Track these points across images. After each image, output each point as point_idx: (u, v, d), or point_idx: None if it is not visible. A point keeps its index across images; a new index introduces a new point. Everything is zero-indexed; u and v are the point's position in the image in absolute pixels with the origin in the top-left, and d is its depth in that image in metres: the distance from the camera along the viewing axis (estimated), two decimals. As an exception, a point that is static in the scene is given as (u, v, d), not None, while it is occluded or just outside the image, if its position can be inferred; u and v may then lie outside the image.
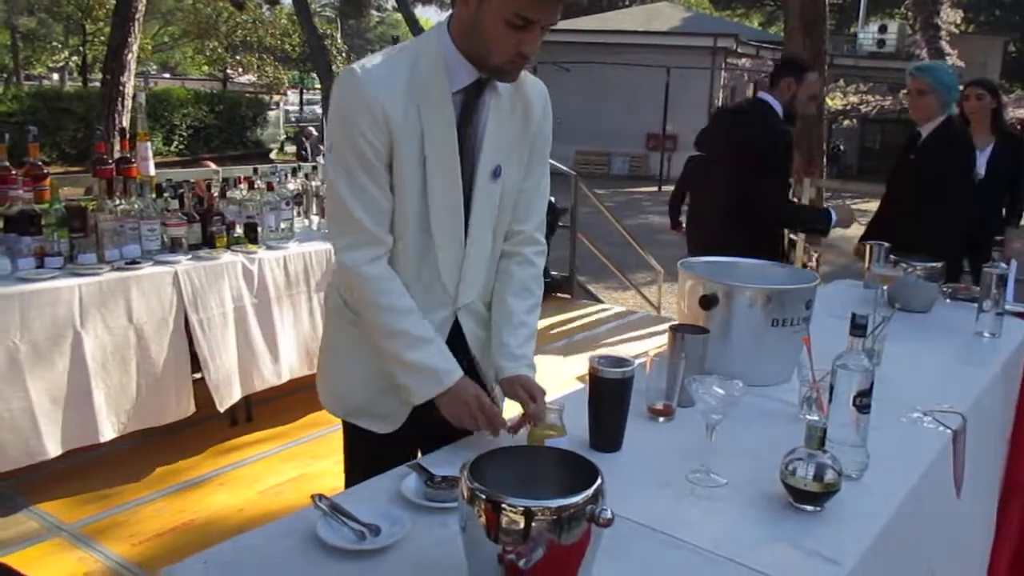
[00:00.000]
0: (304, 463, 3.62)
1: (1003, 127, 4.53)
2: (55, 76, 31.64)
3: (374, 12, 38.29)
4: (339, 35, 28.75)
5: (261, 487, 3.39)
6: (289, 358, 3.86)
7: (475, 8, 1.52)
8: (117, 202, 3.43)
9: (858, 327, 1.51)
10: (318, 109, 29.01)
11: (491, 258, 1.77)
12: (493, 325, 1.78)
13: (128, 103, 10.63)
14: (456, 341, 1.75)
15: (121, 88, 10.69)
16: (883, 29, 27.28)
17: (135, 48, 11.12)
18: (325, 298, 1.93)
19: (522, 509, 1.03)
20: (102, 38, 22.73)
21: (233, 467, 3.56)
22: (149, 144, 3.82)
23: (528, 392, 1.64)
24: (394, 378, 1.65)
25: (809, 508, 1.40)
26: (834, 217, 3.61)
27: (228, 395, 3.61)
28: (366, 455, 1.77)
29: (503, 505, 1.04)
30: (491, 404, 1.62)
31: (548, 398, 1.66)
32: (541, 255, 1.83)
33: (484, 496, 1.05)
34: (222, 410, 3.59)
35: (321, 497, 1.34)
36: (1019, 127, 17.51)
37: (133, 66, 11.11)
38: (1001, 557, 2.24)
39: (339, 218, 1.61)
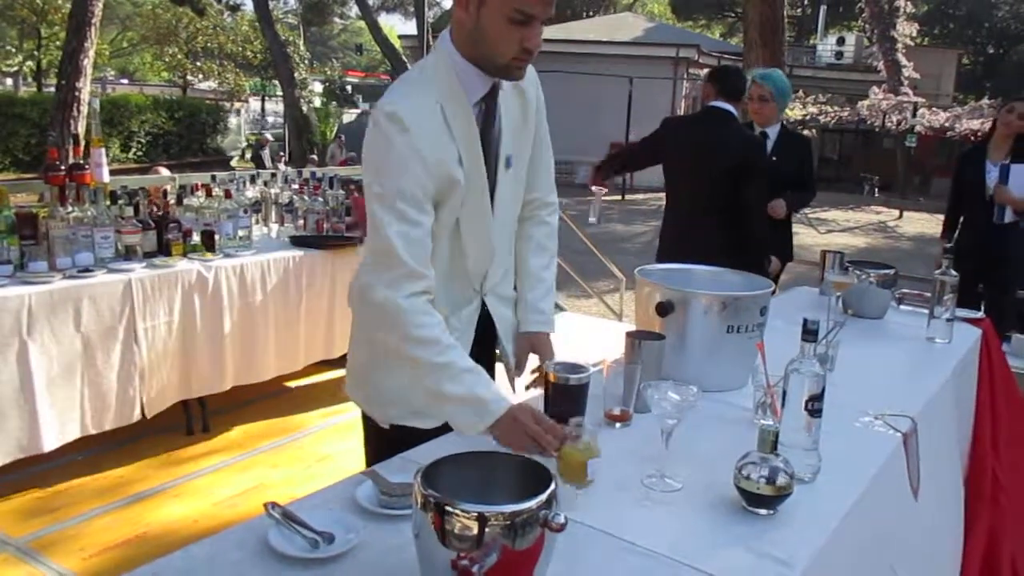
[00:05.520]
0: (261, 473, 3.57)
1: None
2: (8, 81, 31.04)
3: (337, 19, 38.16)
4: (302, 42, 28.52)
5: (217, 498, 3.33)
6: (238, 366, 3.82)
7: (475, 12, 1.57)
8: (69, 209, 3.37)
9: (809, 332, 1.53)
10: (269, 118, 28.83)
11: (512, 242, 1.90)
12: (517, 281, 1.94)
13: (84, 109, 10.47)
14: (483, 329, 1.84)
15: (76, 94, 10.54)
16: (841, 41, 27.84)
17: (91, 53, 10.96)
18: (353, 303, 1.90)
19: (475, 515, 1.03)
20: (57, 43, 22.38)
21: (188, 478, 3.50)
22: (103, 150, 3.77)
23: (537, 354, 1.87)
24: (441, 413, 1.58)
25: (762, 511, 1.41)
26: (772, 262, 3.80)
27: (159, 402, 3.56)
28: (396, 452, 1.74)
29: (456, 511, 1.04)
30: (546, 417, 1.51)
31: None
32: (553, 213, 2.00)
33: (437, 502, 1.05)
34: (149, 416, 3.52)
35: (274, 505, 1.32)
36: (972, 138, 17.95)
37: (89, 71, 10.95)
38: (972, 564, 2.28)
39: (381, 257, 1.58)
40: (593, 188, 3.82)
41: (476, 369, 1.55)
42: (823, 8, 28.93)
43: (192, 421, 3.89)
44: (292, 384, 4.48)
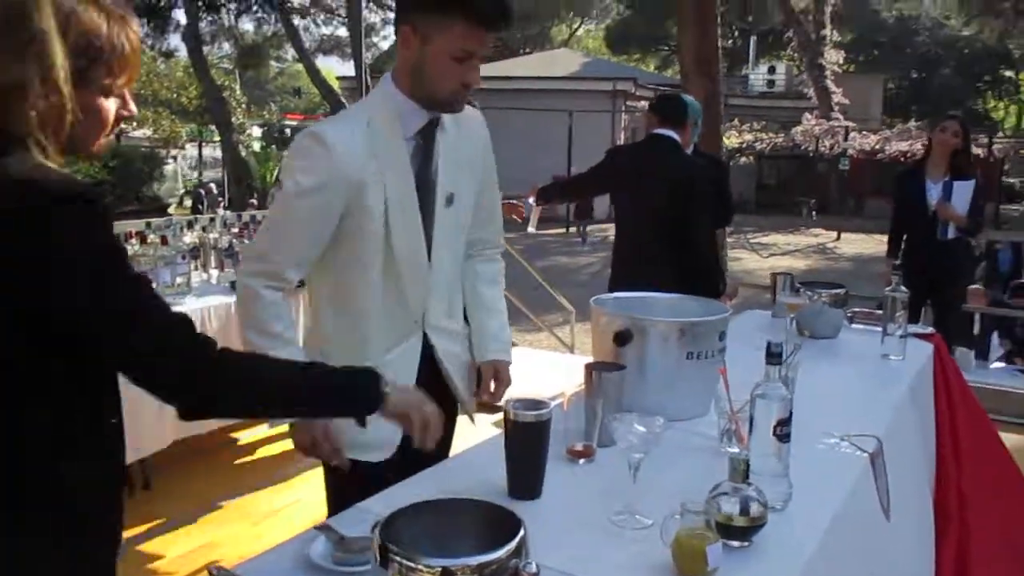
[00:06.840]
0: (208, 531, 3.40)
1: (960, 165, 4.57)
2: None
3: (273, 63, 37.99)
4: (238, 87, 28.29)
5: (162, 562, 3.16)
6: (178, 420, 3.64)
7: (418, 49, 1.68)
8: None
9: (773, 355, 1.49)
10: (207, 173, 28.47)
11: (455, 278, 1.95)
12: (470, 314, 2.02)
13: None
14: (429, 367, 1.88)
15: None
16: (772, 70, 28.71)
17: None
18: (303, 342, 1.94)
19: (439, 569, 0.96)
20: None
21: (130, 542, 3.32)
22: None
23: (497, 380, 1.97)
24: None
25: (736, 544, 1.36)
26: (728, 285, 4.00)
27: None
28: (357, 487, 1.66)
29: (419, 566, 0.96)
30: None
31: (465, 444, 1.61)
32: (500, 253, 2.12)
33: (398, 557, 0.97)
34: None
35: (219, 569, 1.23)
36: (901, 160, 18.48)
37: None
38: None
39: (260, 248, 1.77)
40: (531, 200, 3.90)
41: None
42: (753, 39, 29.80)
43: (133, 479, 3.71)
44: (237, 435, 4.32)
